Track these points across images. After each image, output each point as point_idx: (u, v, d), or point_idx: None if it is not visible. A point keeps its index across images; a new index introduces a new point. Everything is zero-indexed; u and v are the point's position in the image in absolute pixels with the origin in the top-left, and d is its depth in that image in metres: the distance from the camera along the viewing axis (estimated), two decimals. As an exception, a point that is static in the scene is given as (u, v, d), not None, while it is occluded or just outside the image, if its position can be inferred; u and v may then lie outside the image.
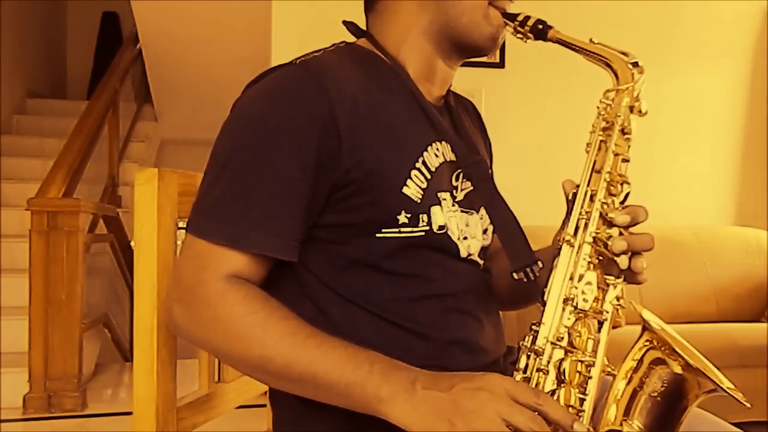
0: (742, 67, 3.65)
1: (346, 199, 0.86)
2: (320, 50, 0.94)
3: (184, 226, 0.92)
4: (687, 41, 3.56)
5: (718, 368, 0.83)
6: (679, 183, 3.57)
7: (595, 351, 0.83)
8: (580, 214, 0.87)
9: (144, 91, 5.63)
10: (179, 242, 0.97)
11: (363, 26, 1.03)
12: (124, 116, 5.11)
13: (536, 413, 0.72)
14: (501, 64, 3.35)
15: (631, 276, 0.87)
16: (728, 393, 0.80)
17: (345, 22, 1.03)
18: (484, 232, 1.00)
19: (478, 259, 0.98)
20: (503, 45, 3.38)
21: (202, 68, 4.79)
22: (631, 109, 0.91)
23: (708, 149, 3.63)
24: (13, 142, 5.17)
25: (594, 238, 0.86)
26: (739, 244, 3.30)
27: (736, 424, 1.00)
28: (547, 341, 0.82)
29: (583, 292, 0.84)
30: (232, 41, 4.47)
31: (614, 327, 0.85)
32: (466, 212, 0.96)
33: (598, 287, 0.85)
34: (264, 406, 1.21)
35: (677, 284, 3.11)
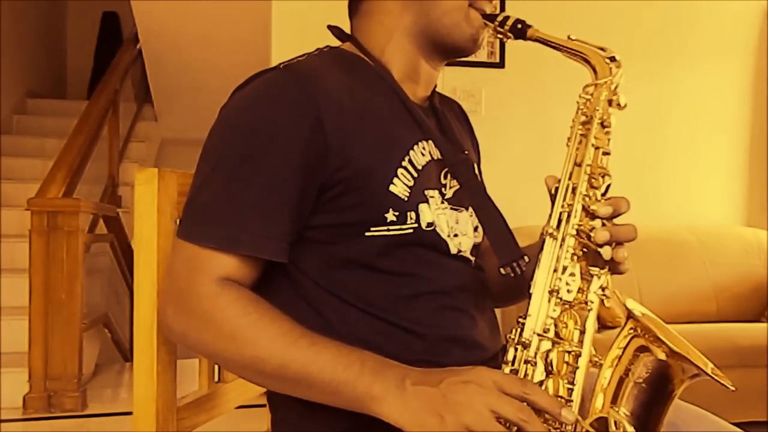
0: (743, 67, 3.65)
1: (335, 199, 0.87)
2: (304, 55, 0.95)
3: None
4: (687, 41, 3.56)
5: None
6: (682, 183, 3.57)
7: (581, 341, 0.83)
8: (563, 207, 0.88)
9: (144, 91, 5.63)
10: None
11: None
12: (124, 116, 5.11)
13: (524, 403, 0.73)
14: (501, 64, 3.35)
15: (613, 266, 0.88)
16: (712, 377, 0.81)
17: (330, 27, 1.04)
18: (475, 229, 1.00)
19: (470, 256, 0.98)
20: (503, 45, 3.38)
21: (202, 68, 4.79)
22: (610, 102, 0.92)
23: (709, 149, 3.63)
24: (13, 142, 5.16)
25: (577, 230, 0.87)
26: (739, 244, 3.30)
27: (736, 424, 1.00)
28: (534, 333, 0.83)
29: (567, 284, 0.85)
30: (232, 41, 4.47)
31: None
32: (456, 209, 0.97)
33: (582, 278, 0.86)
34: (264, 406, 1.21)
35: (677, 284, 3.11)
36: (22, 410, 3.07)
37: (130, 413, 0.98)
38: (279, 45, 3.20)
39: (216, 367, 1.16)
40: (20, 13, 5.69)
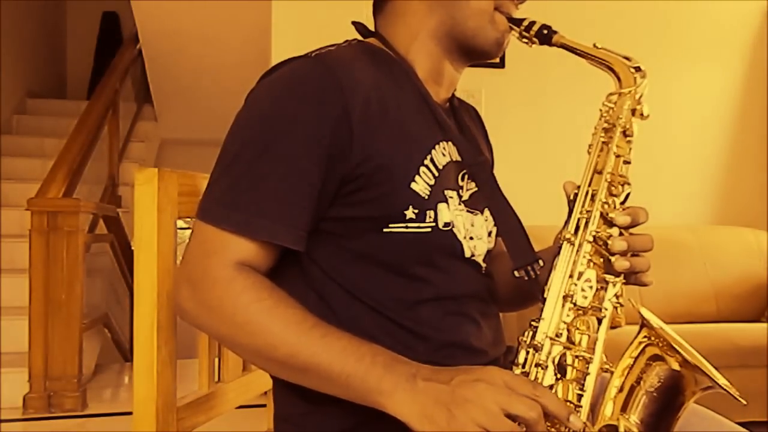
0: (741, 66, 3.65)
1: (354, 193, 0.87)
2: (333, 45, 0.94)
3: (184, 225, 0.92)
4: (685, 41, 3.56)
5: (716, 368, 0.83)
6: (682, 183, 3.57)
7: (593, 348, 0.83)
8: (581, 213, 0.88)
9: (144, 91, 5.63)
10: (179, 242, 0.97)
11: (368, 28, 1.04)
12: (124, 116, 5.11)
13: (534, 402, 0.73)
14: (501, 65, 3.35)
15: (634, 277, 0.88)
16: (724, 389, 0.81)
17: (354, 23, 1.04)
18: (489, 234, 1.00)
19: (482, 262, 0.98)
20: (503, 45, 3.38)
21: (202, 68, 4.79)
22: (633, 112, 0.93)
23: (709, 149, 3.63)
24: (13, 142, 5.17)
25: (594, 237, 0.87)
26: (739, 244, 3.30)
27: (735, 424, 1.00)
28: (546, 337, 0.83)
29: (582, 290, 0.85)
30: (232, 41, 4.48)
31: (614, 327, 0.86)
32: (472, 212, 0.97)
33: (598, 285, 0.86)
34: (264, 406, 1.21)
35: (677, 284, 3.11)
36: (22, 410, 3.07)
37: (130, 413, 0.98)
38: (279, 45, 3.20)
39: (216, 367, 1.16)
40: (20, 13, 5.69)
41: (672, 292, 3.08)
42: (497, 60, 3.41)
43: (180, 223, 1.01)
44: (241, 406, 1.23)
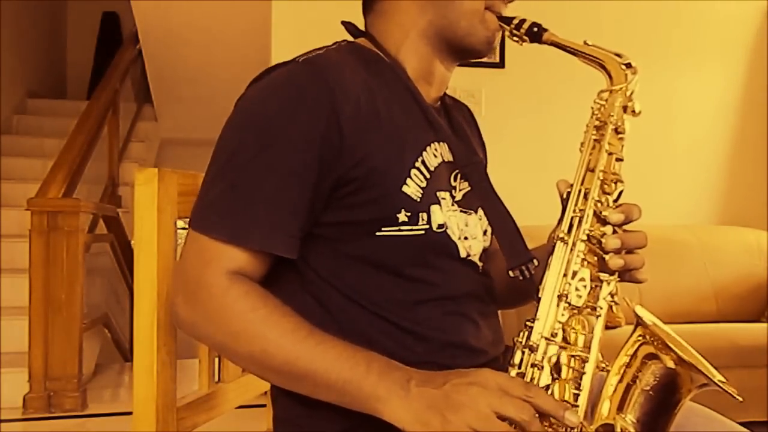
0: (741, 66, 3.65)
1: (347, 197, 0.86)
2: (322, 48, 0.94)
3: (184, 225, 0.92)
4: (686, 41, 3.56)
5: (714, 367, 0.83)
6: (682, 183, 3.57)
7: (589, 347, 0.83)
8: (574, 211, 0.88)
9: (144, 91, 5.64)
10: (179, 242, 0.97)
11: (360, 27, 1.03)
12: (124, 116, 5.11)
13: (527, 404, 0.73)
14: (501, 64, 3.35)
15: (629, 275, 0.88)
16: (720, 387, 0.81)
17: (344, 23, 1.04)
18: (484, 233, 1.00)
19: (478, 261, 0.98)
20: (503, 45, 3.38)
21: (202, 68, 4.79)
22: (625, 108, 0.92)
23: (708, 149, 3.63)
24: (13, 142, 5.17)
25: (588, 235, 0.87)
26: (739, 244, 3.30)
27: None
28: (542, 337, 0.83)
29: (576, 289, 0.85)
30: (232, 41, 4.48)
31: (614, 327, 0.86)
32: (465, 212, 0.97)
33: (592, 284, 0.85)
34: (264, 406, 1.21)
35: (677, 284, 3.11)
36: (22, 410, 3.07)
37: (130, 413, 0.98)
38: (279, 45, 3.20)
39: (216, 367, 1.16)
40: (20, 13, 5.69)
41: (672, 291, 3.07)
42: (497, 60, 3.44)
43: (180, 223, 1.01)
44: (241, 406, 1.23)
